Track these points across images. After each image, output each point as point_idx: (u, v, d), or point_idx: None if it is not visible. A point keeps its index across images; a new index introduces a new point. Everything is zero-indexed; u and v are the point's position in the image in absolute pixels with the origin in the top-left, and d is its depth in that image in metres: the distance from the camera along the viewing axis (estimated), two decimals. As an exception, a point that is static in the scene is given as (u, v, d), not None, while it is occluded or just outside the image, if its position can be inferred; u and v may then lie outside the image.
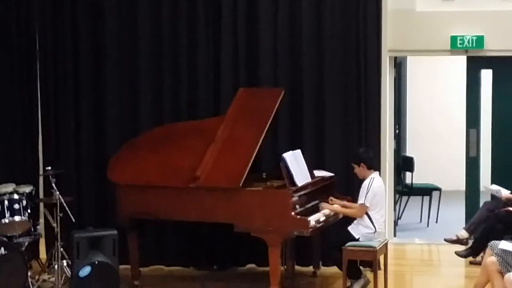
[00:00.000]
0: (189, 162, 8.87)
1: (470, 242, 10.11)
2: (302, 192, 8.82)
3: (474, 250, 9.93)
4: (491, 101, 11.23)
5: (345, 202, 9.21)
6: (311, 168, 9.20)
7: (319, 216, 8.86)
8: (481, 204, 10.60)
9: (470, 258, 10.05)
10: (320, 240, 9.53)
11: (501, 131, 11.08)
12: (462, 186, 11.41)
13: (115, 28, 10.06)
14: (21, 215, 9.15)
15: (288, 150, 9.05)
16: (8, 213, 9.10)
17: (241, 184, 8.54)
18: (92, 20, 10.10)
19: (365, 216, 8.87)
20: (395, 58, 11.33)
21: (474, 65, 11.20)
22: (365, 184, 8.91)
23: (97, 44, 10.11)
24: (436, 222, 12.42)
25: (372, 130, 9.88)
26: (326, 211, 8.99)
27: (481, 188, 11.19)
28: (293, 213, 8.47)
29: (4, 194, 9.18)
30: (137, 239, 9.30)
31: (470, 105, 11.29)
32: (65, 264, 9.17)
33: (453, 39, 10.81)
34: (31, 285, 8.96)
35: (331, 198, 9.18)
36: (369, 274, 9.18)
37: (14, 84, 10.16)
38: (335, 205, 9.10)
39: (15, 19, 10.14)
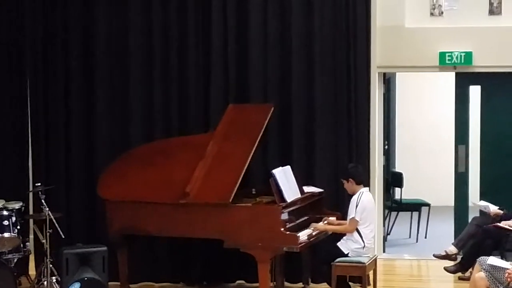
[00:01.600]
0: (179, 178, 8.88)
1: (459, 258, 10.13)
2: (291, 208, 8.83)
3: (463, 265, 9.96)
4: (479, 117, 11.26)
5: (336, 221, 9.24)
6: (300, 184, 9.22)
7: (309, 232, 8.88)
8: (469, 220, 10.62)
9: (459, 274, 10.06)
10: (309, 256, 9.53)
11: (489, 147, 11.11)
12: (451, 202, 11.43)
13: (105, 47, 10.09)
14: (10, 232, 9.15)
15: (278, 166, 9.06)
16: (-2, 229, 9.11)
17: (230, 200, 8.56)
18: (82, 34, 10.12)
19: (355, 231, 8.89)
20: (384, 74, 11.37)
21: (463, 81, 11.24)
22: (354, 199, 8.94)
23: (87, 61, 10.12)
24: (425, 237, 12.43)
25: (361, 146, 9.91)
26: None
27: (470, 204, 11.21)
28: (282, 229, 8.48)
29: (-6, 210, 9.20)
30: (127, 255, 9.29)
31: (458, 121, 11.31)
32: (54, 280, 9.15)
33: (442, 55, 10.86)
34: (20, 302, 8.98)
35: (325, 218, 9.20)
36: (358, 290, 9.20)
37: (4, 100, 10.15)
38: (325, 224, 9.12)
39: (6, 32, 10.16)
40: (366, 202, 8.93)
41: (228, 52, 9.94)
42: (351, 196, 9.04)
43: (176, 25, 10.01)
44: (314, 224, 9.06)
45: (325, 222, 9.16)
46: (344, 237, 8.98)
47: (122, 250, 9.26)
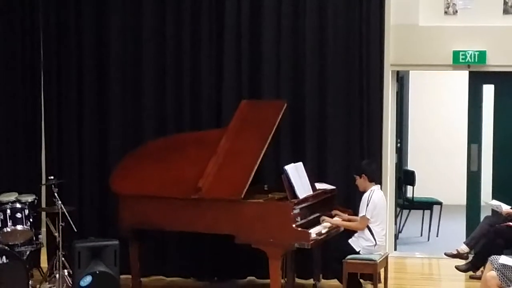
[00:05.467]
0: (191, 173, 8.90)
1: (471, 257, 10.12)
2: (303, 205, 8.84)
3: (474, 264, 9.95)
4: (492, 116, 11.24)
5: (347, 216, 9.25)
6: (312, 181, 9.23)
7: (320, 229, 8.88)
8: (481, 219, 10.61)
9: (470, 273, 10.06)
10: (320, 252, 9.55)
11: (502, 146, 11.08)
12: (463, 201, 11.41)
13: (118, 40, 10.12)
14: (23, 224, 9.21)
15: (290, 163, 9.07)
16: (10, 222, 9.17)
17: (242, 196, 8.57)
18: (96, 29, 10.17)
19: (366, 229, 8.90)
20: (398, 72, 11.36)
21: (476, 80, 11.21)
22: (365, 196, 8.94)
23: (101, 56, 10.16)
24: (437, 236, 12.43)
25: (374, 144, 9.91)
26: (327, 224, 9.03)
27: (482, 203, 11.20)
28: (294, 225, 8.49)
29: (7, 203, 9.26)
30: (138, 249, 9.32)
31: (471, 120, 11.29)
32: (66, 273, 9.22)
33: (455, 54, 10.84)
34: (32, 294, 9.01)
35: (336, 212, 9.21)
36: (369, 287, 9.20)
37: (18, 94, 10.21)
38: (336, 219, 9.13)
39: (19, 26, 10.19)
40: (377, 200, 8.93)
41: (241, 48, 9.95)
42: (362, 193, 9.04)
43: (189, 21, 10.03)
44: (325, 218, 9.05)
45: (336, 216, 9.16)
46: (356, 235, 8.98)
47: (133, 244, 9.29)
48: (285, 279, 9.35)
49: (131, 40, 10.13)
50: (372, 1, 9.90)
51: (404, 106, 13.75)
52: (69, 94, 10.20)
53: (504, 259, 7.95)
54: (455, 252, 10.25)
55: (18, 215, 9.20)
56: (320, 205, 9.25)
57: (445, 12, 11.02)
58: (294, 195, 8.74)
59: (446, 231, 12.42)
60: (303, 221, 8.78)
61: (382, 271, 9.08)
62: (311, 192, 9.09)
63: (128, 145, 9.85)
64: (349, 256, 8.82)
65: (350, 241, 8.97)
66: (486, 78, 11.14)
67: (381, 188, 9.31)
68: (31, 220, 9.31)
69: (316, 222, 9.02)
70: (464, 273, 10.07)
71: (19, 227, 9.18)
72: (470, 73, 11.19)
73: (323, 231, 8.88)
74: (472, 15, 10.92)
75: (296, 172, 8.94)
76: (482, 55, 10.79)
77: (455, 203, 12.84)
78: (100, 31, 10.17)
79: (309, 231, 8.55)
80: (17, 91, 10.21)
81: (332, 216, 9.22)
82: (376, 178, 9.20)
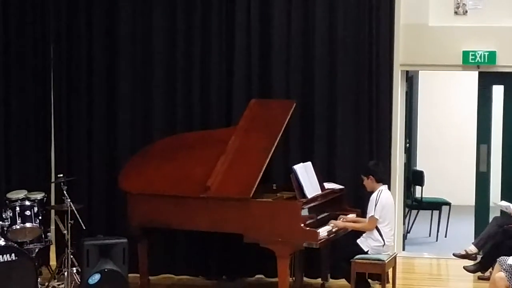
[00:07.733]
0: (200, 172, 8.91)
1: (479, 257, 10.11)
2: (312, 204, 8.85)
3: (482, 265, 9.94)
4: (502, 116, 11.22)
5: (354, 217, 9.25)
6: (321, 180, 9.23)
7: (329, 228, 8.89)
8: (490, 220, 10.60)
9: (479, 273, 10.04)
10: (329, 252, 9.54)
11: (511, 146, 11.07)
12: (472, 201, 11.40)
13: (128, 38, 10.14)
14: (32, 222, 9.23)
15: (299, 162, 9.08)
16: (20, 219, 9.19)
17: (251, 195, 8.57)
18: (106, 28, 10.18)
19: (374, 229, 8.90)
20: (407, 72, 11.34)
21: (486, 80, 11.19)
22: (373, 197, 8.95)
23: (110, 54, 10.17)
24: (445, 236, 12.41)
25: (383, 144, 9.91)
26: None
27: (491, 204, 11.18)
28: (302, 225, 8.50)
29: (16, 200, 9.28)
30: (147, 247, 9.34)
31: (481, 120, 11.27)
32: (74, 271, 9.23)
33: (465, 54, 10.82)
34: (40, 292, 9.04)
35: (342, 216, 9.21)
36: (377, 287, 9.20)
37: (28, 92, 10.22)
38: (344, 222, 9.13)
39: (30, 26, 10.21)
40: (385, 200, 8.94)
41: (251, 47, 9.96)
42: (371, 193, 9.04)
43: (199, 21, 10.03)
44: (333, 221, 9.07)
45: (342, 219, 9.16)
46: (364, 235, 8.98)
47: (142, 243, 9.30)
48: (293, 278, 9.38)
49: (140, 40, 10.13)
50: (382, 1, 9.89)
51: (413, 106, 13.74)
52: (78, 93, 10.21)
53: (512, 260, 7.94)
54: (463, 253, 10.24)
55: (27, 212, 9.23)
56: (328, 204, 9.26)
57: (455, 12, 11.00)
58: (303, 195, 8.75)
59: (455, 231, 12.40)
60: (311, 220, 8.79)
61: (390, 271, 9.08)
62: (319, 192, 9.10)
63: (137, 144, 9.87)
64: (357, 256, 8.83)
65: (358, 241, 8.97)
66: (496, 78, 11.12)
67: (389, 188, 9.32)
68: (40, 217, 9.33)
69: (325, 221, 9.03)
70: (472, 274, 10.06)
71: (28, 224, 9.20)
72: (480, 73, 11.17)
73: (332, 231, 8.89)
74: (482, 15, 10.89)
75: (305, 172, 8.94)
76: (492, 55, 10.77)
77: (464, 203, 12.83)
78: (110, 30, 10.17)
79: (318, 231, 8.56)
80: (27, 90, 10.22)
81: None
82: (384, 178, 9.19)
